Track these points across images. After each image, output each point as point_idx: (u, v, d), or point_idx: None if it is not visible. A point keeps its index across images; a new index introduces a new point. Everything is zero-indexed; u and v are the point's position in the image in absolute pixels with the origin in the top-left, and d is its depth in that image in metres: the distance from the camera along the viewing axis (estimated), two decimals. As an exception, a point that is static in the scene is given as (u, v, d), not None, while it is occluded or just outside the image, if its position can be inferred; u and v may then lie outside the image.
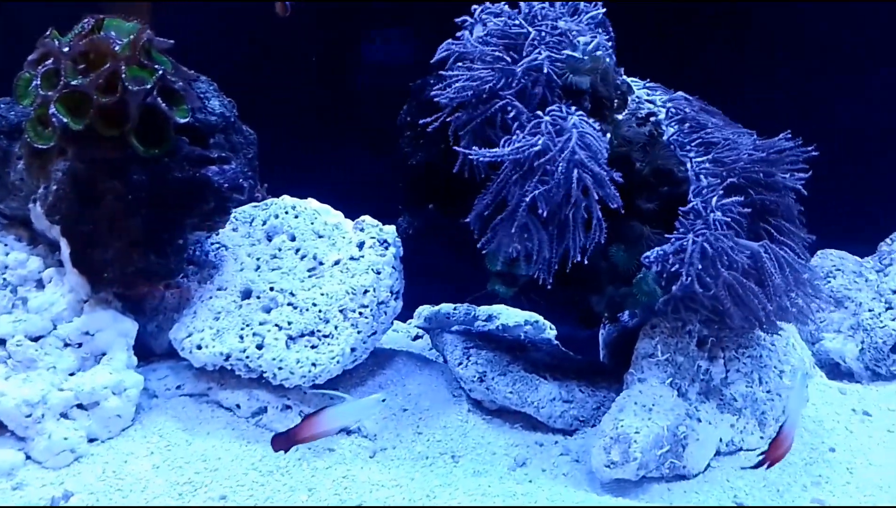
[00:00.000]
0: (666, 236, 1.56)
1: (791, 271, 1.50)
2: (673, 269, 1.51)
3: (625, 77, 1.75)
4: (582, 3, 1.62)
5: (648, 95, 1.73)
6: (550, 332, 2.23)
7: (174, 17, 2.51)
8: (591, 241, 1.45)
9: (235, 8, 2.60)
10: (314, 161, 2.67)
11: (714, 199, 1.53)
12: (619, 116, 1.67)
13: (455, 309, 2.16)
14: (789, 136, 1.62)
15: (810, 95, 2.79)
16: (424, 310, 2.19)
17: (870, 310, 2.06)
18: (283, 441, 1.41)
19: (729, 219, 1.51)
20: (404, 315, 2.34)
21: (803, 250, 1.56)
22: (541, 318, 2.21)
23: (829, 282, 2.24)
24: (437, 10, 1.68)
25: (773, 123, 2.82)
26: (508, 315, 2.20)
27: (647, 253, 1.56)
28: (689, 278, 1.46)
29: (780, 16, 2.69)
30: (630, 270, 1.57)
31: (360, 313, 1.65)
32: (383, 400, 1.41)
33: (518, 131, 1.45)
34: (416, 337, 2.21)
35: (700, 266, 1.47)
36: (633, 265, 1.57)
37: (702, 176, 1.57)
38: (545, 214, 1.40)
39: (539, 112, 1.48)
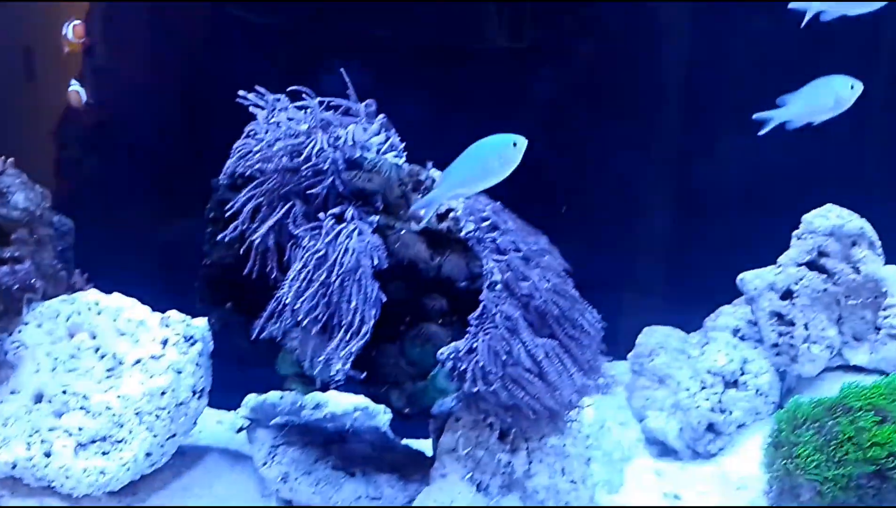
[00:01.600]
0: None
1: (579, 368, 1.53)
2: (462, 367, 1.52)
3: (431, 173, 1.77)
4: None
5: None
6: (384, 416, 2.21)
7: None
8: (355, 343, 1.45)
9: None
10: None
11: (505, 298, 1.55)
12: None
13: (282, 398, 2.12)
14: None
15: (657, 160, 2.88)
16: (250, 400, 2.14)
17: (686, 389, 2.12)
18: None
19: (519, 315, 1.54)
20: (236, 403, 2.29)
21: (593, 347, 1.59)
22: (372, 403, 2.19)
23: (653, 360, 2.30)
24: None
25: (622, 191, 2.88)
26: (338, 402, 2.17)
27: (443, 349, 1.57)
28: (473, 376, 1.48)
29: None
30: (426, 366, 1.58)
31: (157, 416, 1.60)
32: None
33: (302, 238, 1.45)
34: (241, 429, 2.15)
35: (485, 364, 1.48)
36: (430, 361, 1.58)
37: (495, 273, 1.60)
38: (325, 319, 1.40)
39: (322, 215, 1.49)
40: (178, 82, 2.42)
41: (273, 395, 2.22)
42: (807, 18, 1.72)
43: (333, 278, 1.42)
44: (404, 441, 2.05)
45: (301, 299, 1.41)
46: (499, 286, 1.58)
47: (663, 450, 2.22)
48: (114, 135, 2.48)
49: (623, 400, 2.32)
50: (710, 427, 2.07)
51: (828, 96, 1.74)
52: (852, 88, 1.73)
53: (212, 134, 2.23)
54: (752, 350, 2.16)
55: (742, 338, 2.26)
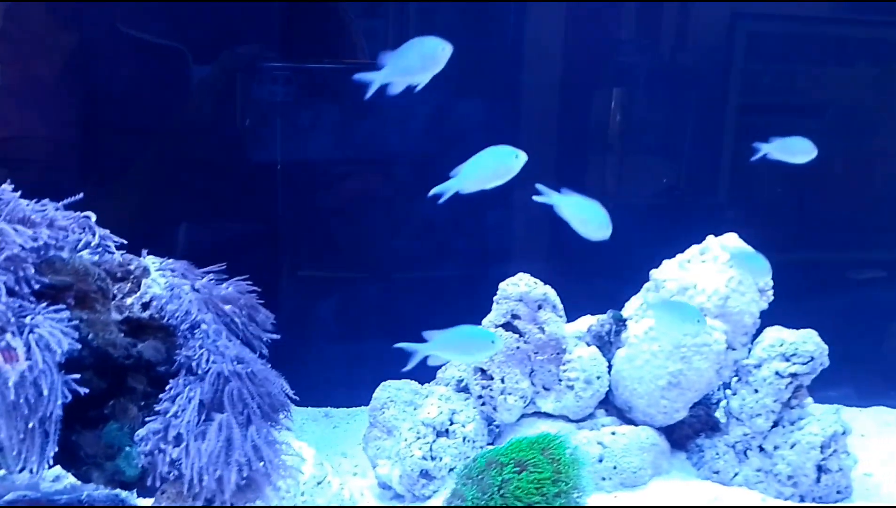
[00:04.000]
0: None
1: (251, 440, 1.73)
2: (147, 446, 1.68)
3: (143, 260, 1.93)
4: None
5: (162, 275, 1.92)
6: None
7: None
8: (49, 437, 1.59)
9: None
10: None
11: (191, 381, 1.73)
12: (128, 301, 1.85)
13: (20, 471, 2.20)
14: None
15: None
16: (-17, 476, 2.21)
17: (405, 440, 2.35)
18: None
19: (200, 396, 1.72)
20: None
21: (270, 414, 1.80)
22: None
23: (384, 412, 2.53)
24: None
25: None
26: (78, 472, 2.26)
27: (139, 431, 1.73)
28: (153, 454, 1.65)
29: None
30: (123, 446, 1.73)
31: None
32: None
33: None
34: (-26, 506, 2.21)
35: (162, 443, 1.66)
36: (126, 442, 1.73)
37: (193, 359, 1.77)
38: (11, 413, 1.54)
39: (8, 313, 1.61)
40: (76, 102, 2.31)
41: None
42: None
43: (13, 374, 1.55)
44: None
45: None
46: (190, 371, 1.75)
47: (395, 495, 2.45)
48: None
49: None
50: (424, 473, 2.31)
51: (497, 166, 1.95)
52: (517, 157, 1.94)
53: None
54: (463, 401, 2.43)
55: (465, 389, 2.53)
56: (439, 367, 2.65)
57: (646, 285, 2.47)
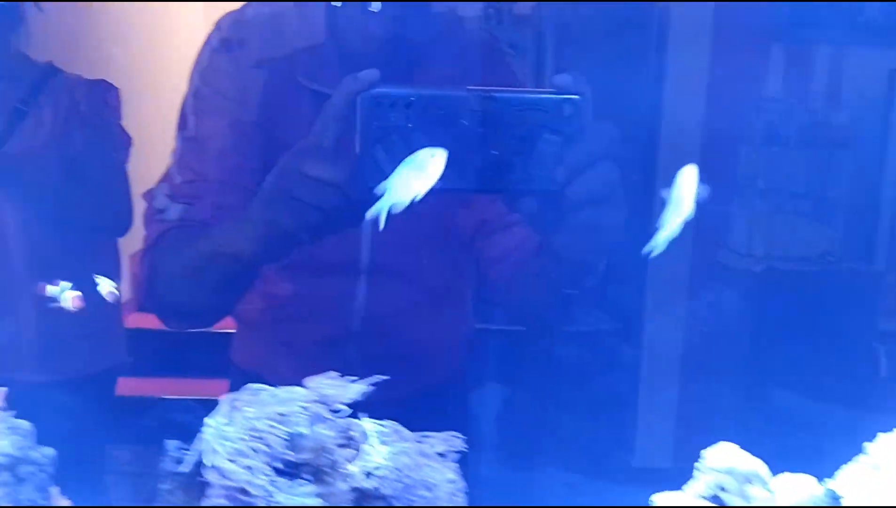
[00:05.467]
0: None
1: None
2: None
3: (361, 423, 2.01)
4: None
5: (380, 442, 2.00)
6: None
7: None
8: None
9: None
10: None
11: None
12: (352, 469, 1.92)
13: None
14: None
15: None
16: None
17: None
18: None
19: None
20: None
21: None
22: None
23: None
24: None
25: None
26: None
27: None
28: None
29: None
30: None
31: None
32: None
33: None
34: None
35: None
36: None
37: (413, 532, 1.83)
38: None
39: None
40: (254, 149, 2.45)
41: None
42: None
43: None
44: None
45: None
46: (414, 547, 1.80)
47: None
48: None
49: None
50: None
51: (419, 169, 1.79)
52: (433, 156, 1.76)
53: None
54: (664, 571, 2.37)
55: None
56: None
57: (859, 458, 2.36)
